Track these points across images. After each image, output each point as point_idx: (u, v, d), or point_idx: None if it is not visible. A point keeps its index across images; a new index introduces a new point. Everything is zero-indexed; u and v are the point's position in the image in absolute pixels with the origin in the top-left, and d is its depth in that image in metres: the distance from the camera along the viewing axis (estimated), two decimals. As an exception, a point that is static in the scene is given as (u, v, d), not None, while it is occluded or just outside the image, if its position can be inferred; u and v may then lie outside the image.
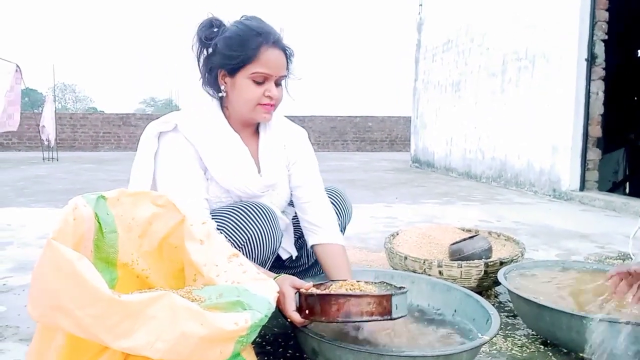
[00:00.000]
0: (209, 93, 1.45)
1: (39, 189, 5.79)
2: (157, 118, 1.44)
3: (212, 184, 1.43)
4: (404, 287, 1.22)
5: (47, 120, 10.54)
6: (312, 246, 1.55)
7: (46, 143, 10.86)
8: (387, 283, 1.27)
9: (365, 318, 1.11)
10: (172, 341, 0.88)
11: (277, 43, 1.37)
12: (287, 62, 1.41)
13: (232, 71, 1.37)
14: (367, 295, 1.11)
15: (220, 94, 1.42)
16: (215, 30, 1.39)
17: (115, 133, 15.47)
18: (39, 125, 10.85)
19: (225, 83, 1.40)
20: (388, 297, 1.11)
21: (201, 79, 1.44)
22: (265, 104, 1.38)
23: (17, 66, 9.07)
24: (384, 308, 1.11)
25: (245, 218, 1.37)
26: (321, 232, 1.52)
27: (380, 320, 1.12)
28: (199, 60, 1.43)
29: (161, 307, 0.90)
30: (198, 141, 1.39)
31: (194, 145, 1.39)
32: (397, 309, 1.13)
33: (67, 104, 47.47)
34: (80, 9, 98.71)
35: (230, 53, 1.35)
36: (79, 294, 0.88)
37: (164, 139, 1.40)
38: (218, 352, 0.93)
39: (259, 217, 1.38)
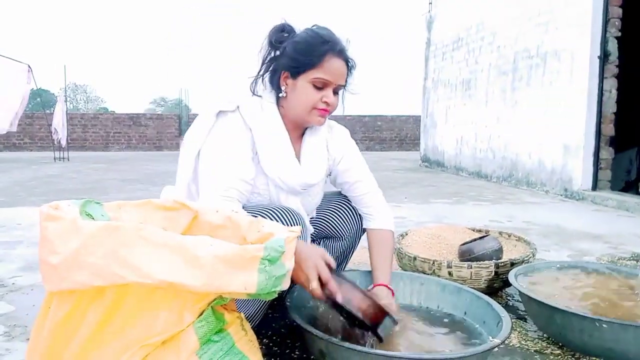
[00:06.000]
0: (268, 90, 1.50)
1: (50, 188, 5.83)
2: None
3: (258, 171, 1.46)
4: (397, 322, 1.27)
5: (58, 122, 10.62)
6: (365, 230, 1.66)
7: (57, 144, 10.97)
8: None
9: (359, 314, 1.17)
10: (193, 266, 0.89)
11: (342, 53, 1.43)
12: (348, 73, 1.47)
13: (296, 74, 1.42)
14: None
15: (280, 94, 1.47)
16: (286, 35, 1.46)
17: (126, 133, 15.56)
18: (50, 125, 10.96)
19: (286, 84, 1.45)
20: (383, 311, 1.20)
21: (258, 78, 1.49)
22: (321, 109, 1.44)
23: (29, 66, 9.17)
24: (375, 315, 1.18)
25: (275, 219, 1.36)
26: (374, 219, 1.64)
27: (367, 326, 1.19)
28: (264, 61, 1.49)
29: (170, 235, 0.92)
30: (255, 125, 1.44)
31: (251, 129, 1.44)
32: (384, 327, 1.20)
33: (79, 104, 47.86)
34: (92, 9, 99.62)
35: (297, 57, 1.41)
36: (84, 241, 0.90)
37: (224, 117, 1.45)
38: (242, 283, 0.91)
39: (289, 222, 1.38)
